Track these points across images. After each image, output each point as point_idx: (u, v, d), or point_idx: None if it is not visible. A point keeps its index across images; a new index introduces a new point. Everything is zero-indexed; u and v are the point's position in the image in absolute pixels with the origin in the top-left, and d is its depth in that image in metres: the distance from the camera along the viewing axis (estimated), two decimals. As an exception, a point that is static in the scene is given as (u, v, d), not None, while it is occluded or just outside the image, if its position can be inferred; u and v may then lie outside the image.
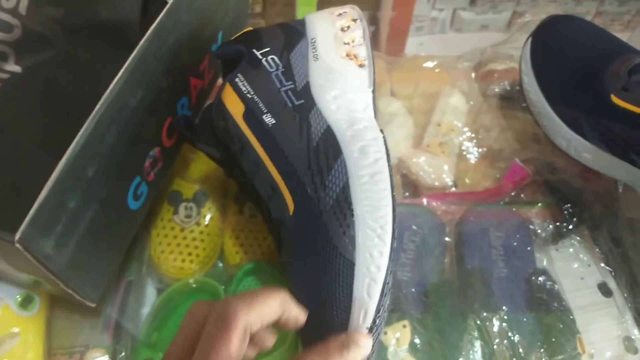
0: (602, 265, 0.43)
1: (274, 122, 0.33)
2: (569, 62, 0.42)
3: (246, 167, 0.34)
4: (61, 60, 0.41)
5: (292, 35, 0.37)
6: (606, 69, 0.39)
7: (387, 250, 0.28)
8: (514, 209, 0.44)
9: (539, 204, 0.45)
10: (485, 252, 0.41)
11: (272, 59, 0.35)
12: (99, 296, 0.35)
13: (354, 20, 0.38)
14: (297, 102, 0.34)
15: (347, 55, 0.36)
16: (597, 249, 0.43)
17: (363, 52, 0.36)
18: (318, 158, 0.31)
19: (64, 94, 0.41)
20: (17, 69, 0.42)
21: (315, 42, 0.36)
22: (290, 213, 0.31)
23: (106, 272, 0.36)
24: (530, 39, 0.46)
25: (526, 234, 0.42)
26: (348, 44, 0.36)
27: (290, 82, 0.34)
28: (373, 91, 0.35)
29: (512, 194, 0.46)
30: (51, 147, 0.31)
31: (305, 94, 0.34)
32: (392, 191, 0.30)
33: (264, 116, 0.33)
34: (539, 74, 0.43)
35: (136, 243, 0.41)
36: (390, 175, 0.30)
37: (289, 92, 0.34)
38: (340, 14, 0.38)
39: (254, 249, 0.41)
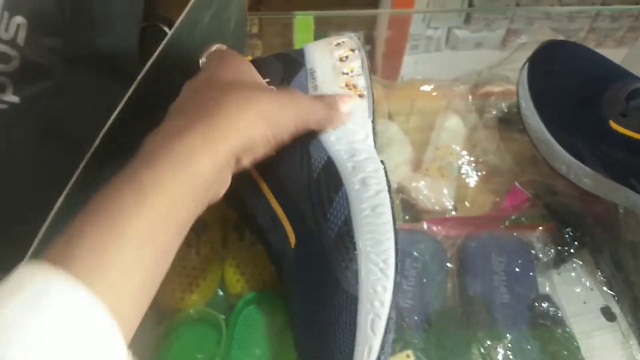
0: (605, 289, 0.42)
1: (274, 153, 0.33)
2: (566, 88, 0.42)
3: (246, 198, 0.34)
4: (59, 91, 0.41)
5: (291, 65, 0.37)
6: (604, 95, 0.39)
7: (390, 285, 0.28)
8: (515, 234, 0.44)
9: (540, 227, 0.45)
10: (487, 278, 0.41)
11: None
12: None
13: (352, 50, 0.38)
14: (297, 134, 0.33)
15: (346, 85, 0.36)
16: (599, 273, 0.43)
17: (362, 82, 0.36)
18: (319, 190, 0.31)
19: (62, 124, 0.41)
20: (15, 99, 0.42)
21: (314, 72, 0.36)
22: (292, 245, 0.31)
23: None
24: (527, 64, 0.46)
25: (528, 258, 0.42)
26: (347, 74, 0.36)
27: (290, 113, 0.34)
28: (373, 121, 0.35)
29: (513, 217, 0.46)
30: (49, 178, 0.31)
31: None
32: (394, 224, 0.30)
33: (264, 147, 0.33)
34: (536, 99, 0.43)
35: (135, 274, 0.40)
36: (392, 208, 0.30)
37: (289, 124, 0.34)
38: (338, 44, 0.38)
39: (255, 277, 0.40)
